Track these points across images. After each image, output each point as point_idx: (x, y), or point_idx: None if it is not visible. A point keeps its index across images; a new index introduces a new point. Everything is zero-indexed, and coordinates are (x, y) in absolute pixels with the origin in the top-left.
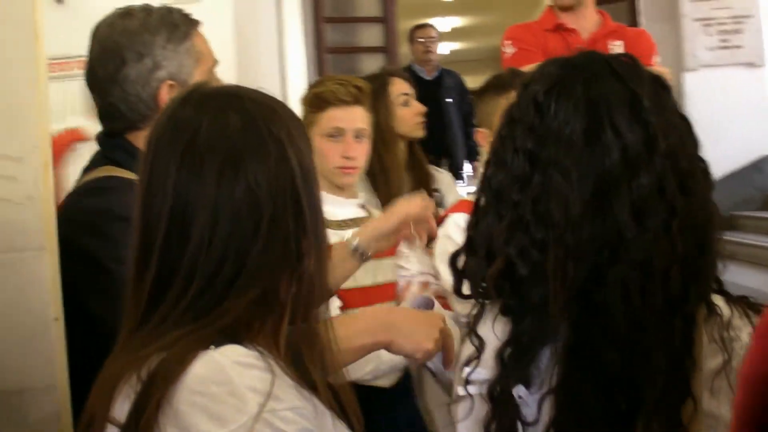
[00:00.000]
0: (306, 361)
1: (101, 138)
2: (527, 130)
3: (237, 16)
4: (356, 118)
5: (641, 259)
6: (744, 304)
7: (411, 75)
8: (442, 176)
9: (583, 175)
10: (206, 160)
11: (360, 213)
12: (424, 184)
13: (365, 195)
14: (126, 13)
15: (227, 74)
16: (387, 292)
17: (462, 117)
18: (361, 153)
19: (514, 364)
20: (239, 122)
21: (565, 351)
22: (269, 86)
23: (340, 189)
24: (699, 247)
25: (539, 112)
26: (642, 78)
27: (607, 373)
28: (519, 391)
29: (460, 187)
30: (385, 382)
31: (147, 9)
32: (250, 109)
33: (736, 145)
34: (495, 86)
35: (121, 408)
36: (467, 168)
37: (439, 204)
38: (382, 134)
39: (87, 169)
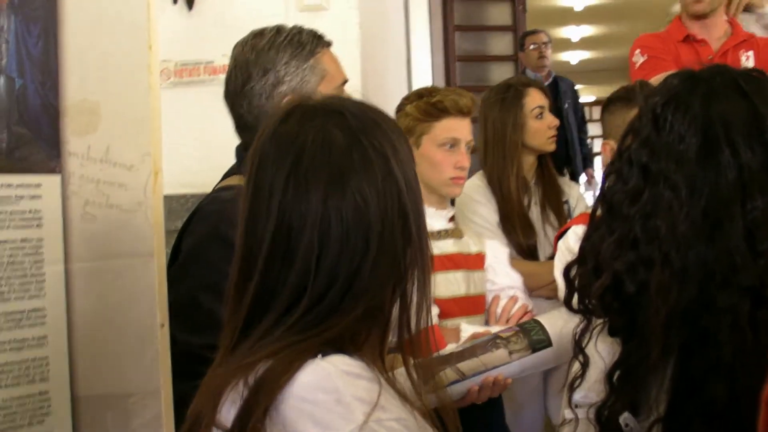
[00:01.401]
0: (407, 371)
1: (238, 149)
2: (643, 143)
3: (363, 23)
4: (469, 129)
5: (752, 286)
6: None
7: None
8: (571, 189)
9: (695, 193)
10: (311, 179)
11: (450, 225)
12: (553, 196)
13: (486, 207)
14: (259, 33)
15: (353, 81)
16: (478, 304)
17: (576, 123)
18: (469, 164)
19: (622, 388)
20: (343, 139)
21: (672, 378)
22: (395, 94)
23: (437, 200)
24: None
25: (656, 125)
26: (767, 97)
27: (715, 406)
28: (626, 419)
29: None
30: None
31: (279, 29)
32: (352, 124)
33: None
34: (623, 98)
35: (227, 413)
36: (582, 176)
37: (569, 216)
38: (504, 146)
39: (223, 179)
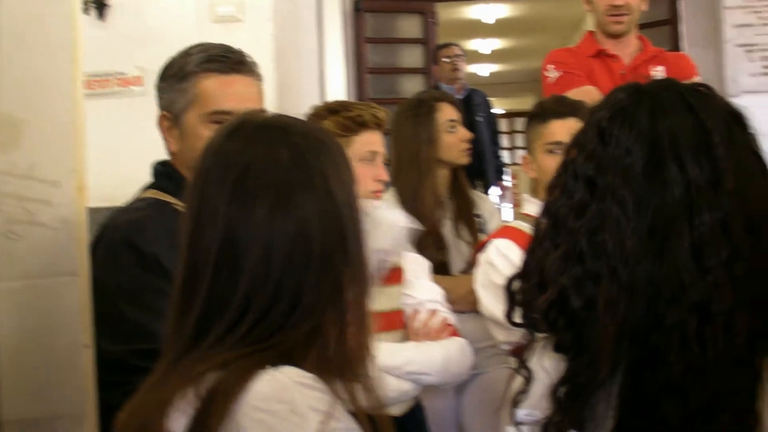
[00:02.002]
0: (346, 389)
1: (155, 166)
2: (588, 157)
3: (278, 35)
4: (383, 142)
5: (700, 303)
6: None
7: None
8: (484, 202)
9: (641, 209)
10: (258, 196)
11: None
12: (466, 210)
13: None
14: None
15: (267, 94)
16: (393, 320)
17: (489, 136)
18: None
19: (568, 405)
20: (288, 157)
21: (620, 396)
22: (309, 104)
23: None
24: None
25: (602, 139)
26: (715, 111)
27: (666, 425)
28: None
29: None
30: (395, 411)
31: (191, 47)
32: (298, 142)
33: None
34: (538, 114)
35: (176, 423)
36: (496, 189)
37: (481, 230)
38: (419, 162)
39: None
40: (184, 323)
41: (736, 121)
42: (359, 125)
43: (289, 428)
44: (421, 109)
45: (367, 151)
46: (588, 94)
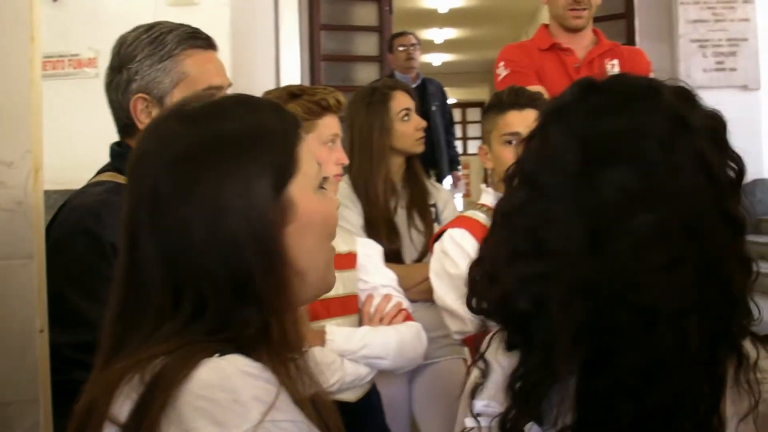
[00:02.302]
0: (293, 377)
1: (112, 147)
2: (530, 153)
3: (234, 22)
4: (340, 126)
5: (646, 306)
6: None
7: None
8: (439, 191)
9: (579, 209)
10: (195, 180)
11: None
12: (420, 199)
13: (352, 211)
14: (138, 26)
15: None
16: (349, 304)
17: (443, 125)
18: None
19: (524, 400)
20: (221, 140)
21: (577, 392)
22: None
23: None
24: (726, 299)
25: (542, 135)
26: (659, 113)
27: (622, 423)
28: (532, 430)
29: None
30: (350, 396)
31: (152, 26)
32: (235, 128)
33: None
34: (495, 105)
35: (121, 408)
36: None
37: (435, 219)
38: (372, 150)
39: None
40: (126, 310)
41: (681, 124)
42: (323, 109)
43: (230, 417)
44: (375, 97)
45: (329, 134)
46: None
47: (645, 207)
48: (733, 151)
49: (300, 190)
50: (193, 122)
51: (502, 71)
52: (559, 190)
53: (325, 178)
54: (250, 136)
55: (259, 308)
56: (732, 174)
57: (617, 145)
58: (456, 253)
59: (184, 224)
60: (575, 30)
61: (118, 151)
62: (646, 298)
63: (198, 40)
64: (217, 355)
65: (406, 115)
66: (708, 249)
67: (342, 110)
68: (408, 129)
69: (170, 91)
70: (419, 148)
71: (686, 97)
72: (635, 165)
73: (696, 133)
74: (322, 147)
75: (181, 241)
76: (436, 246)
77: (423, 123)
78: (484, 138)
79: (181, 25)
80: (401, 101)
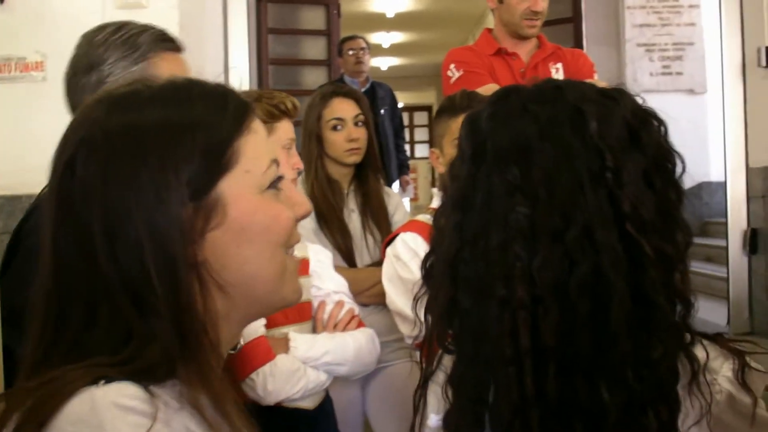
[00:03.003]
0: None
1: None
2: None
3: (182, 25)
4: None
5: (507, 297)
6: (719, 342)
7: None
8: (390, 197)
9: (469, 213)
10: (101, 173)
11: None
12: (373, 205)
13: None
14: (103, 26)
15: None
16: (304, 311)
17: (393, 130)
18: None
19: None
20: (136, 130)
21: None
22: None
23: None
24: (646, 305)
25: (458, 140)
26: (552, 116)
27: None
28: None
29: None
30: (308, 404)
31: (122, 25)
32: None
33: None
34: (447, 109)
35: None
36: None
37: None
38: (307, 153)
39: None
40: (46, 327)
41: (574, 125)
42: (281, 112)
43: None
44: (314, 102)
45: (287, 139)
46: (492, 91)
47: (522, 203)
48: (635, 145)
49: (236, 189)
50: (113, 108)
51: (454, 73)
52: (454, 194)
53: (279, 177)
54: (170, 126)
55: (166, 324)
56: (634, 170)
57: (502, 151)
58: (408, 257)
59: (84, 224)
60: (525, 38)
61: None
62: (503, 291)
63: (169, 42)
64: (102, 382)
65: (337, 125)
66: (566, 241)
67: (297, 116)
68: (337, 139)
69: None
70: (350, 160)
71: (590, 99)
72: (520, 165)
73: (591, 133)
74: (280, 151)
75: (80, 242)
76: (389, 250)
77: (356, 135)
78: (436, 142)
79: (149, 26)
80: (335, 110)
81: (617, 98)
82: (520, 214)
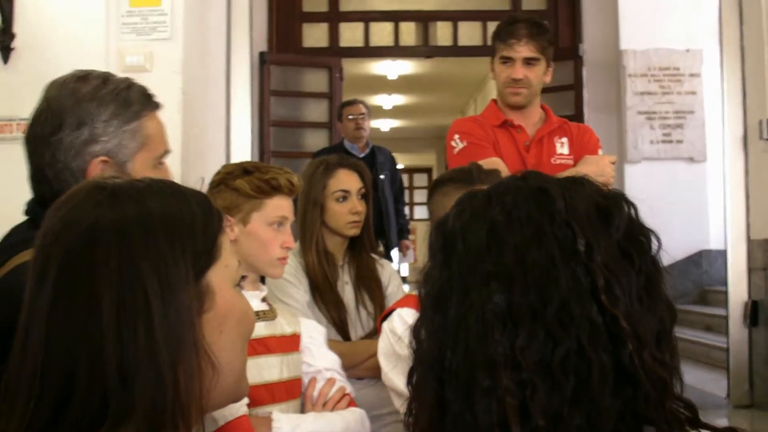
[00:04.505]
0: None
1: (31, 206)
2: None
3: (185, 88)
4: (292, 209)
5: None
6: None
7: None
8: (383, 268)
9: (440, 308)
10: (110, 255)
11: (263, 306)
12: (366, 278)
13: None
14: (83, 76)
15: (174, 146)
16: (293, 388)
17: (393, 194)
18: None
19: None
20: (142, 219)
21: None
22: (215, 158)
23: (252, 280)
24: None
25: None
26: (499, 212)
27: None
28: None
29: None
30: None
31: (106, 78)
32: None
33: (675, 239)
34: (458, 179)
35: None
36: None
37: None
38: (305, 223)
39: (13, 244)
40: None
41: (539, 205)
42: (273, 189)
43: None
44: (318, 171)
45: (277, 216)
46: (494, 165)
47: (497, 290)
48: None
49: (219, 279)
50: (115, 199)
51: (458, 144)
52: (434, 294)
53: (243, 277)
54: (171, 217)
55: (149, 397)
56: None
57: (475, 242)
58: (405, 333)
59: (94, 298)
60: (517, 107)
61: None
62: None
63: (153, 99)
64: None
65: (343, 196)
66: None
67: (295, 193)
68: (341, 210)
69: (134, 156)
70: (350, 232)
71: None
72: (493, 255)
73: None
74: (267, 228)
75: (86, 315)
76: (385, 325)
77: (358, 208)
78: (440, 212)
79: (130, 79)
80: (341, 181)
81: (582, 181)
82: (497, 301)
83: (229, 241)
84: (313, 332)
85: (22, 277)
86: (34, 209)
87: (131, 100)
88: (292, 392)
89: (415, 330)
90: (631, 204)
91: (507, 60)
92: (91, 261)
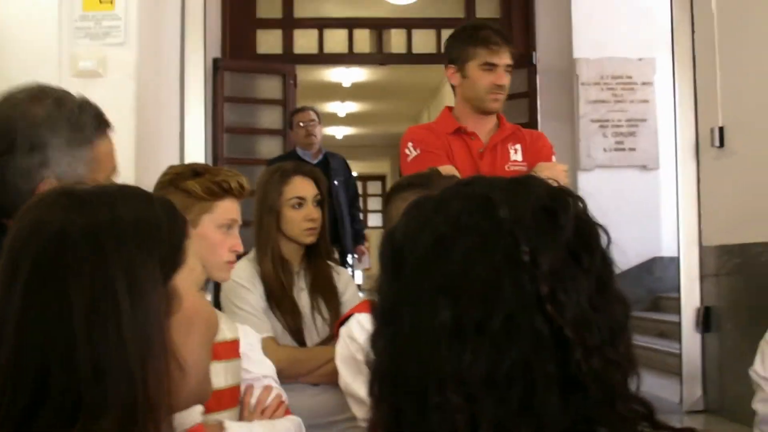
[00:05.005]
0: None
1: None
2: None
3: (139, 94)
4: (239, 211)
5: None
6: None
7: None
8: (340, 275)
9: (392, 316)
10: (80, 260)
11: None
12: (322, 284)
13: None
14: (37, 96)
15: (126, 152)
16: (235, 395)
17: (348, 200)
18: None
19: None
20: (110, 224)
21: None
22: (168, 162)
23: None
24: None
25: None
26: (444, 218)
27: None
28: None
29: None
30: None
31: (60, 100)
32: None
33: (628, 246)
34: (418, 184)
35: None
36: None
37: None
38: (261, 229)
39: None
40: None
41: (484, 213)
42: (224, 191)
43: None
44: (274, 178)
45: (226, 219)
46: (447, 172)
47: (445, 305)
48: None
49: (185, 283)
50: (82, 204)
51: (411, 152)
52: (385, 306)
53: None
54: (140, 221)
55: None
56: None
57: (423, 252)
58: (363, 338)
59: (66, 300)
60: (488, 113)
61: None
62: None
63: (104, 121)
64: None
65: (299, 203)
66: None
67: (245, 196)
68: (296, 217)
69: (83, 178)
70: (306, 239)
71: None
72: (439, 266)
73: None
74: (216, 230)
75: (57, 317)
76: (343, 330)
77: (314, 215)
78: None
79: (85, 101)
80: (297, 188)
81: (526, 182)
82: (443, 316)
83: (193, 247)
84: (251, 338)
85: None
86: None
87: (83, 125)
88: (234, 399)
89: (372, 341)
90: (578, 199)
91: (491, 66)
92: (62, 264)
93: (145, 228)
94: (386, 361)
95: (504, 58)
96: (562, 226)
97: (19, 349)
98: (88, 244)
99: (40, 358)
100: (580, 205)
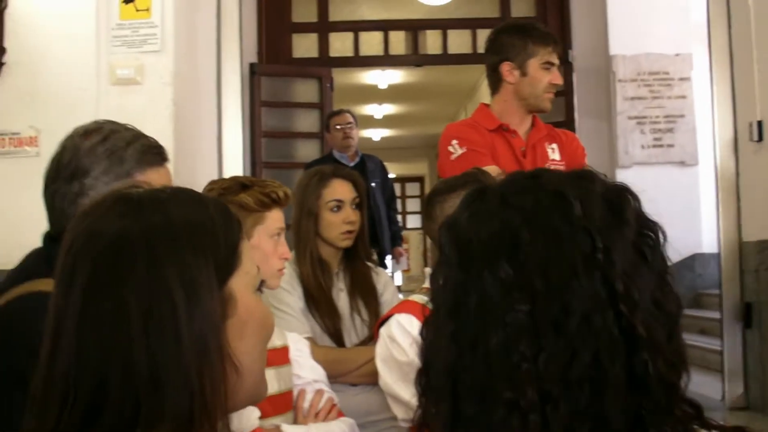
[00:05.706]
0: None
1: (45, 238)
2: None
3: (176, 101)
4: (284, 218)
5: (510, 399)
6: None
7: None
8: (378, 276)
9: (458, 313)
10: (135, 265)
11: None
12: (362, 285)
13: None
14: (90, 131)
15: None
16: (288, 400)
17: (385, 201)
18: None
19: None
20: (167, 227)
21: None
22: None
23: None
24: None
25: (441, 247)
26: (531, 210)
27: None
28: None
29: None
30: None
31: (108, 134)
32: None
33: (668, 243)
34: (464, 185)
35: None
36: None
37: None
38: (299, 232)
39: (23, 269)
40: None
41: (558, 210)
42: (272, 201)
43: None
44: (313, 181)
45: (277, 228)
46: (492, 172)
47: (519, 302)
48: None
49: (240, 286)
50: (141, 208)
51: (456, 149)
52: (441, 295)
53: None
54: (195, 225)
55: (181, 401)
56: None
57: (491, 247)
58: (403, 339)
59: (123, 307)
60: (541, 111)
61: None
62: (510, 392)
63: (154, 155)
64: None
65: (337, 206)
66: (566, 338)
67: (288, 204)
68: (334, 220)
69: None
70: (343, 243)
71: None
72: (511, 261)
73: (572, 224)
74: (269, 240)
75: (115, 324)
76: (382, 331)
77: (352, 218)
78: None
79: (138, 135)
80: (336, 191)
81: (590, 177)
82: (520, 312)
83: (248, 249)
84: (300, 344)
85: (25, 305)
86: (49, 243)
87: (125, 159)
88: (288, 404)
89: (429, 334)
90: (634, 195)
91: (550, 65)
92: (118, 270)
93: (200, 231)
94: (449, 356)
95: (557, 58)
96: (628, 221)
97: (79, 356)
98: (143, 249)
99: (98, 365)
100: (638, 202)
